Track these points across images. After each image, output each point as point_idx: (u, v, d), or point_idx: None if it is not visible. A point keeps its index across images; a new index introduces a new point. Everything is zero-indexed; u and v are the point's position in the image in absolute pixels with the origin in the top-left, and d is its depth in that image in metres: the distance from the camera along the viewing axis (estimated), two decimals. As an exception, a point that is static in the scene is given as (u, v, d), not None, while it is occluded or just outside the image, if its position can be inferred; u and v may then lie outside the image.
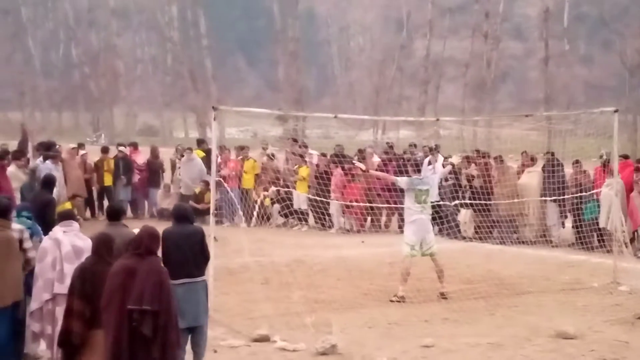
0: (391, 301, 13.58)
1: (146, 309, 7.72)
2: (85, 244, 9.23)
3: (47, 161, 19.37)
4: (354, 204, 21.43)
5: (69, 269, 8.99)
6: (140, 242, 8.02)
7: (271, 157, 23.19)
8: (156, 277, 7.90)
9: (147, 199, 24.20)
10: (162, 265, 8.17)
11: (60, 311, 9.02)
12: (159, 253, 8.39)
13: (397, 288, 13.89)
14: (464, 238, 20.39)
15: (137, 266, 7.86)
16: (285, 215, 22.81)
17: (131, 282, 7.78)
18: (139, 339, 7.73)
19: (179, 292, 9.33)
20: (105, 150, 24.32)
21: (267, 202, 22.39)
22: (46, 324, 9.18)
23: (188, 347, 9.75)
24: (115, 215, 9.94)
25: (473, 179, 20.90)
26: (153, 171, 24.11)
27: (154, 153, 24.79)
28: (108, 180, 23.22)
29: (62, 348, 8.40)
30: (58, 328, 9.01)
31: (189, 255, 9.55)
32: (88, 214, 22.66)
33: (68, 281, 8.95)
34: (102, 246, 8.34)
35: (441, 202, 20.64)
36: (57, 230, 9.36)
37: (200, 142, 25.66)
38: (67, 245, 9.18)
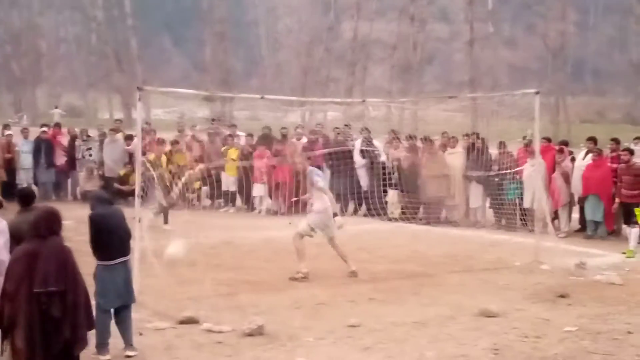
0: (295, 279, 13.70)
1: (53, 290, 7.65)
2: (0, 225, 9.07)
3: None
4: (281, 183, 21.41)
5: None
6: (39, 224, 7.91)
7: (194, 136, 22.96)
8: (60, 257, 7.82)
9: (70, 182, 23.83)
10: (64, 244, 8.04)
11: None
12: (61, 233, 8.21)
13: (322, 269, 13.97)
14: (390, 219, 20.56)
15: (39, 248, 7.76)
16: (212, 197, 22.68)
17: (35, 265, 7.69)
18: (49, 320, 7.67)
19: (118, 272, 9.54)
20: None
21: (197, 184, 22.16)
22: None
23: (114, 329, 9.72)
24: (25, 200, 9.62)
25: (400, 161, 21.06)
26: (72, 154, 23.62)
27: (72, 135, 24.28)
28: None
29: None
30: None
31: (122, 235, 9.76)
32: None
33: None
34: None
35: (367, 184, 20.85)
36: (-27, 212, 9.18)
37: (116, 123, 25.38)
38: None
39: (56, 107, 51.56)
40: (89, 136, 23.71)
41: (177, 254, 12.07)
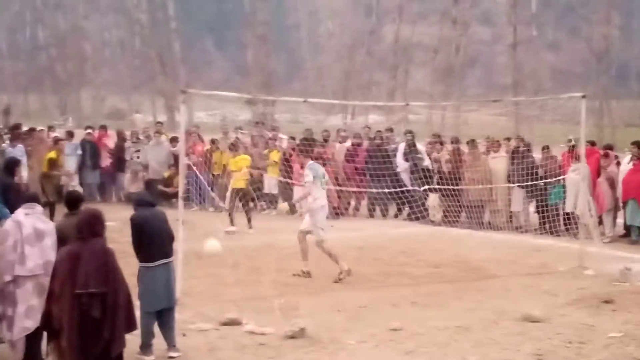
0: (299, 275, 13.95)
1: (93, 292, 7.73)
2: (47, 227, 9.22)
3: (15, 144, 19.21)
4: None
5: (30, 251, 9.03)
6: (82, 226, 8.00)
7: (238, 139, 23.04)
8: (100, 259, 7.90)
9: (115, 183, 24.06)
10: (107, 245, 8.12)
11: (20, 293, 9.05)
12: (105, 234, 8.30)
13: (364, 272, 13.97)
14: (432, 222, 20.49)
15: (81, 250, 7.85)
16: (253, 199, 22.73)
17: (77, 266, 7.78)
18: (90, 321, 7.76)
19: (159, 273, 9.57)
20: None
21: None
22: (7, 305, 9.16)
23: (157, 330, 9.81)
24: (73, 203, 9.75)
25: (441, 164, 20.98)
26: (120, 156, 23.89)
27: (121, 137, 24.57)
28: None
29: (44, 331, 8.48)
30: (18, 310, 9.05)
31: (164, 237, 9.84)
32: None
33: (29, 263, 9.01)
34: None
35: (410, 187, 20.81)
36: (19, 213, 9.34)
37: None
38: (29, 227, 9.15)
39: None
40: (138, 138, 23.91)
41: (214, 250, 12.11)
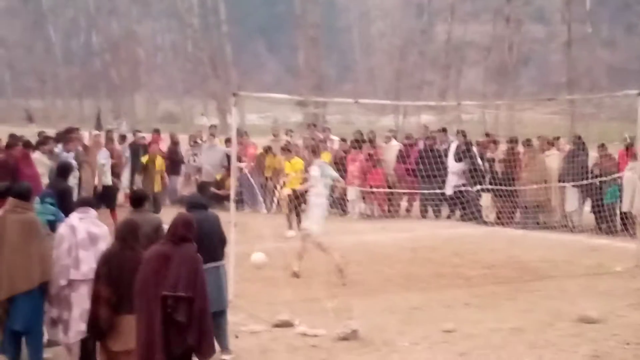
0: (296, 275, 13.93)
1: (181, 296, 7.74)
2: (101, 231, 9.28)
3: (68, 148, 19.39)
4: (375, 190, 21.34)
5: (84, 255, 9.08)
6: (176, 229, 8.04)
7: (289, 141, 23.06)
8: (191, 264, 7.93)
9: (168, 187, 24.19)
10: (196, 252, 8.17)
11: (75, 297, 9.12)
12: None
13: (417, 273, 13.87)
14: (486, 223, 20.30)
15: (171, 253, 7.88)
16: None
17: (165, 268, 7.81)
18: (173, 325, 7.75)
19: (210, 276, 9.48)
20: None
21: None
22: (63, 309, 9.25)
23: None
24: (138, 201, 10.00)
25: (494, 163, 20.76)
26: (173, 158, 24.02)
27: (174, 140, 24.72)
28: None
29: (90, 333, 8.55)
30: (73, 313, 9.12)
31: (214, 240, 9.79)
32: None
33: (83, 267, 9.07)
34: (127, 232, 8.40)
35: (462, 188, 20.62)
36: (74, 217, 9.41)
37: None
38: (82, 232, 9.22)
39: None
40: (195, 142, 24.05)
41: (260, 263, 12.12)
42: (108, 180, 19.76)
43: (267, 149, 23.02)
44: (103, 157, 19.81)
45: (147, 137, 24.33)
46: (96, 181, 19.35)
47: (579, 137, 20.81)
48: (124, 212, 10.53)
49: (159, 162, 20.72)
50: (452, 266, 14.36)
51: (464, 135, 21.81)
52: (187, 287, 7.78)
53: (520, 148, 20.91)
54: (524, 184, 19.86)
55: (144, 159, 20.74)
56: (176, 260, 7.84)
